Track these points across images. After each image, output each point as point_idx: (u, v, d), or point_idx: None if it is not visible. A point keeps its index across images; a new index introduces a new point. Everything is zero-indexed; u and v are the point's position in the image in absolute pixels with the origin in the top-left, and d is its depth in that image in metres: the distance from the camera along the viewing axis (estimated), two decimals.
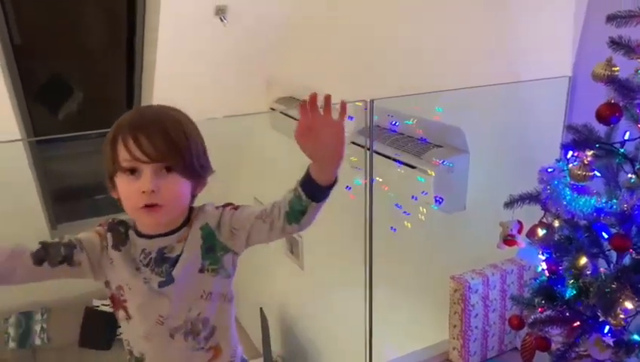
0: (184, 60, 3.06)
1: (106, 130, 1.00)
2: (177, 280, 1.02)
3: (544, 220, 1.41)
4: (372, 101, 1.60)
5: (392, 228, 2.14)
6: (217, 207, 1.07)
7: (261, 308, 4.07)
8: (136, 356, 1.09)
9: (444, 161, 1.94)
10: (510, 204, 1.42)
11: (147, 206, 0.95)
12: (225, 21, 2.86)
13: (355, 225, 2.46)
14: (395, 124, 2.20)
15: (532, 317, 1.43)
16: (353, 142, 2.44)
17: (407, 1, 2.19)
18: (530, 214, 1.43)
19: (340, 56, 2.75)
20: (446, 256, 2.11)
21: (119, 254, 1.04)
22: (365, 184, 1.89)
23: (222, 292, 1.07)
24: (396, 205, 2.11)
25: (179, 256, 1.03)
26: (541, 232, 1.40)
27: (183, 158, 0.96)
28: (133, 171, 0.95)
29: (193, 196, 1.05)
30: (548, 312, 1.39)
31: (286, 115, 3.12)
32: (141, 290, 1.03)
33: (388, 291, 2.17)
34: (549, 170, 1.35)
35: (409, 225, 2.09)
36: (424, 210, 2.04)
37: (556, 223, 1.39)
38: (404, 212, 2.11)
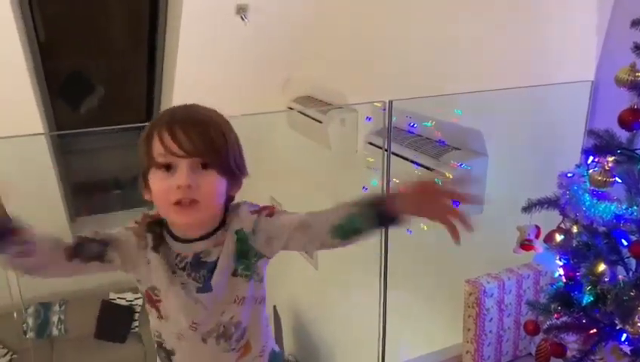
0: (204, 58, 3.09)
1: (126, 125, 0.99)
2: (215, 289, 1.00)
3: (562, 226, 1.39)
4: (391, 102, 1.60)
5: (407, 229, 2.13)
6: (253, 211, 1.02)
7: (275, 307, 4.09)
8: (166, 348, 1.08)
9: (462, 164, 1.93)
10: (528, 208, 1.41)
11: (181, 203, 0.91)
12: (246, 20, 2.88)
13: None
14: (413, 126, 2.19)
15: (548, 322, 1.42)
16: (370, 143, 2.44)
17: (429, 2, 2.18)
18: (549, 219, 1.42)
19: (359, 56, 2.74)
20: (461, 259, 2.10)
21: (157, 256, 1.00)
22: (382, 185, 1.89)
23: (254, 295, 1.05)
24: None
25: (216, 261, 1.00)
26: (559, 238, 1.39)
27: (220, 155, 0.93)
28: (168, 167, 0.91)
29: (229, 197, 1.01)
30: (564, 318, 1.38)
31: (304, 114, 3.12)
32: (178, 295, 1.01)
33: (402, 293, 2.16)
34: (569, 175, 1.33)
35: (425, 227, 2.08)
36: None
37: (575, 229, 1.37)
38: None
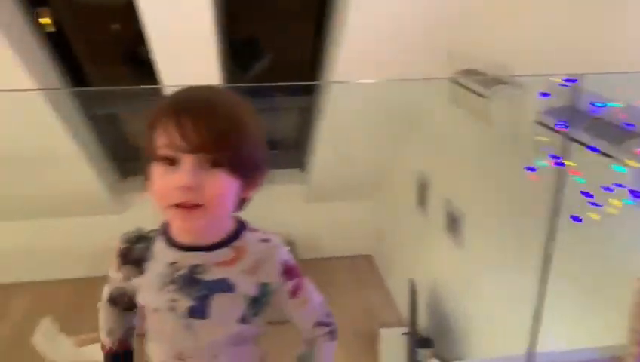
0: (372, 26, 3.13)
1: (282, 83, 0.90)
2: (212, 319, 0.87)
3: None
4: (581, 76, 1.45)
5: (574, 216, 2.00)
6: (287, 277, 0.92)
7: (412, 279, 4.12)
8: None
9: None
10: None
11: (182, 205, 0.79)
12: None
13: (532, 208, 2.34)
14: (594, 106, 2.01)
15: None
16: (540, 123, 2.30)
17: None
18: None
19: (534, 30, 2.57)
20: (635, 256, 1.92)
21: (142, 278, 0.91)
22: (553, 166, 1.78)
23: (253, 334, 0.95)
24: (584, 193, 1.96)
25: (215, 282, 0.86)
26: None
27: (234, 151, 0.79)
28: (171, 162, 0.79)
29: (243, 201, 0.88)
30: None
31: (466, 87, 3.03)
32: (166, 318, 0.89)
33: (559, 281, 2.05)
34: None
35: (596, 216, 1.93)
36: (617, 203, 1.87)
37: None
38: (593, 203, 1.95)
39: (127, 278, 0.93)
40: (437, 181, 4.02)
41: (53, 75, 3.56)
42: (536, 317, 1.76)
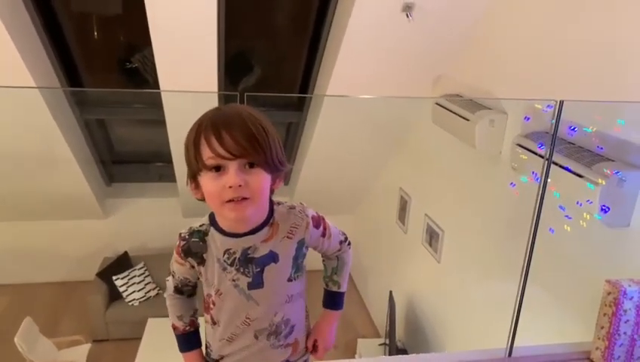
0: (364, 50, 3.33)
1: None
2: (267, 287, 1.09)
3: None
4: (561, 102, 1.67)
5: (550, 228, 2.22)
6: (317, 226, 1.14)
7: (391, 292, 4.28)
8: (213, 358, 1.19)
9: (617, 172, 1.98)
10: None
11: (233, 200, 0.97)
12: (410, 18, 3.09)
13: (511, 221, 2.54)
14: (573, 129, 2.25)
15: None
16: (519, 145, 2.53)
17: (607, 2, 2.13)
18: None
19: (518, 60, 2.80)
20: (602, 265, 2.14)
21: (204, 266, 1.10)
22: (539, 188, 1.95)
23: (299, 291, 1.16)
24: (560, 207, 2.18)
25: (264, 257, 1.07)
26: None
27: (265, 153, 0.98)
28: (218, 168, 0.97)
29: (272, 191, 1.07)
30: None
31: (450, 110, 3.25)
32: (231, 294, 1.09)
33: (535, 290, 2.23)
34: None
35: (568, 228, 2.15)
36: (587, 216, 2.09)
37: None
38: (566, 215, 2.17)
39: (192, 267, 1.12)
40: (418, 197, 4.22)
41: (54, 78, 3.65)
42: (513, 327, 1.93)
